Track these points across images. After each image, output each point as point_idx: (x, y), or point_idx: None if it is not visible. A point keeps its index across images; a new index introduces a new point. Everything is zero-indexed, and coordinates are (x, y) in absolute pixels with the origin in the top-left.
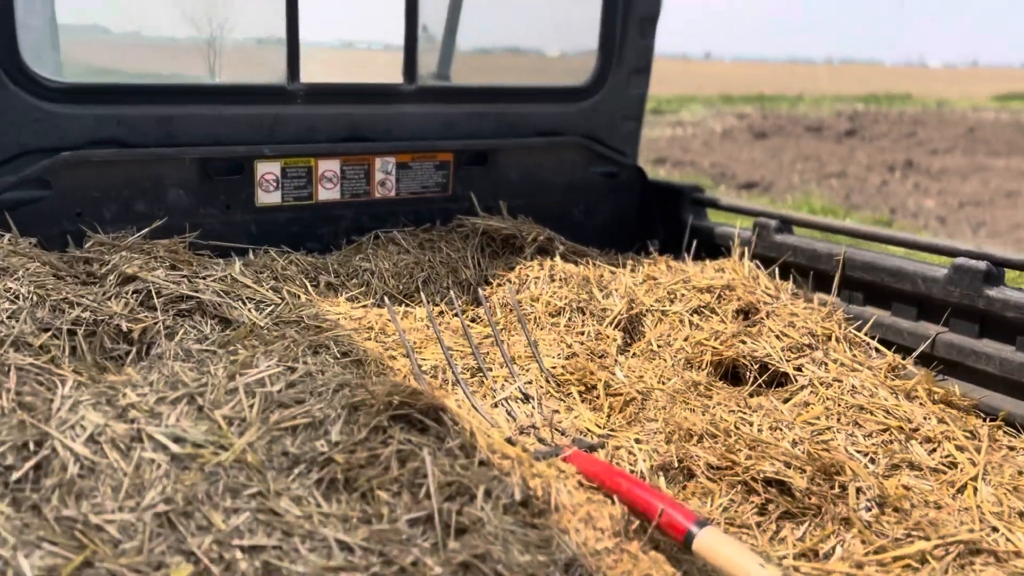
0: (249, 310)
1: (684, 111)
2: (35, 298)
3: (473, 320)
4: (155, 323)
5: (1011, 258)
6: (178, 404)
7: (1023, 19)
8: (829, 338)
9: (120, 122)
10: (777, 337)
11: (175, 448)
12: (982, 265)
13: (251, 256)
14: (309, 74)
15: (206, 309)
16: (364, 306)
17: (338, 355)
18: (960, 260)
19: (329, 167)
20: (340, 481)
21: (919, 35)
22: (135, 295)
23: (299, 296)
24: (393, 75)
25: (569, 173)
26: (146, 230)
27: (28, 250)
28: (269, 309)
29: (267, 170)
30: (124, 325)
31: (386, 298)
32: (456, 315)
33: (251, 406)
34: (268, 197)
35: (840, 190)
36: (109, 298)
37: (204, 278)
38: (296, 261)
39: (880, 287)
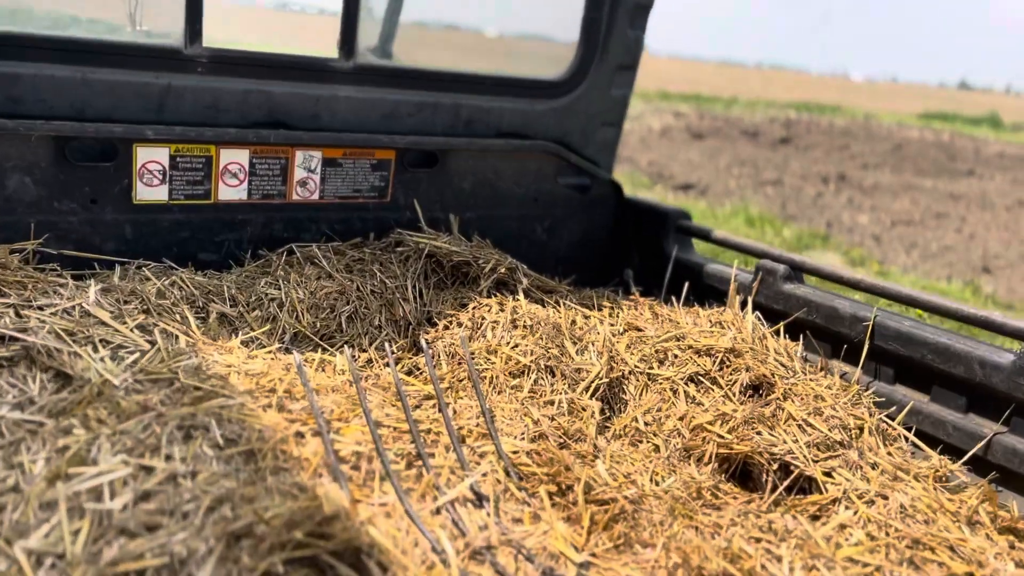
0: (102, 359)
1: None
2: None
3: (410, 372)
4: None
5: None
6: None
7: (940, 40)
8: (862, 431)
9: None
10: (800, 427)
11: None
12: None
13: (115, 278)
14: (215, 36)
15: (36, 357)
16: (268, 352)
17: (220, 443)
18: None
19: (234, 158)
20: None
21: (843, 48)
22: None
23: (177, 338)
24: (326, 48)
25: (533, 183)
26: None
27: None
28: (132, 358)
29: (150, 157)
30: None
31: (295, 349)
32: (388, 366)
33: (76, 534)
34: (150, 192)
35: (776, 199)
36: None
37: (41, 308)
38: (180, 282)
39: (919, 365)
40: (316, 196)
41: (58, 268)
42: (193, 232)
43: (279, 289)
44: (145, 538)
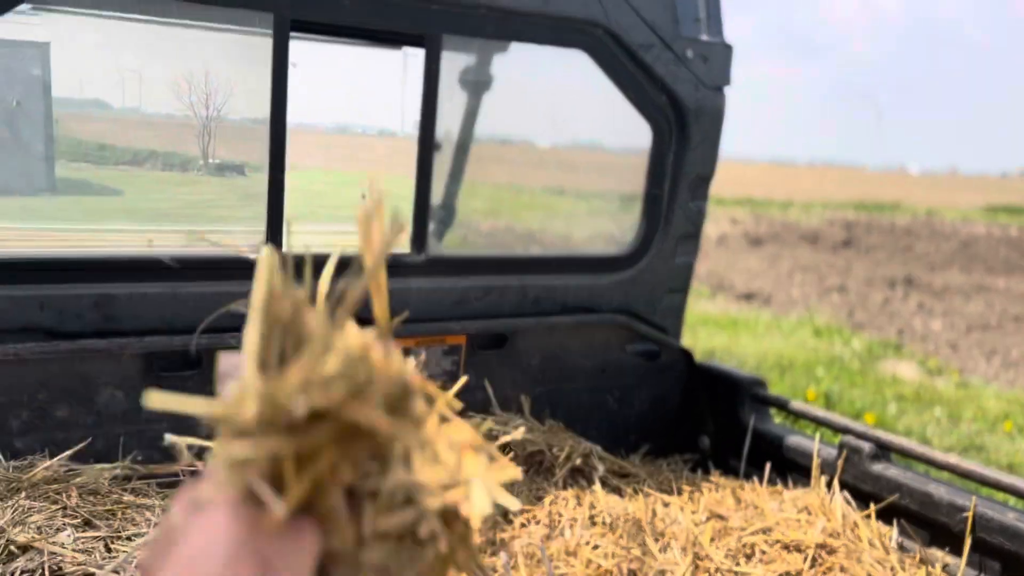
0: None
1: None
2: None
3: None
4: None
5: None
6: None
7: (998, 129)
8: None
9: (44, 305)
10: None
11: None
12: None
13: None
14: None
15: None
16: None
17: None
18: None
19: None
20: None
21: (899, 142)
22: None
23: None
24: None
25: (602, 355)
26: (63, 455)
27: None
28: None
29: (234, 363)
30: None
31: None
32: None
33: None
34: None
35: (842, 306)
36: None
37: (129, 539)
38: None
39: None
40: None
41: (153, 487)
42: None
43: None
44: None
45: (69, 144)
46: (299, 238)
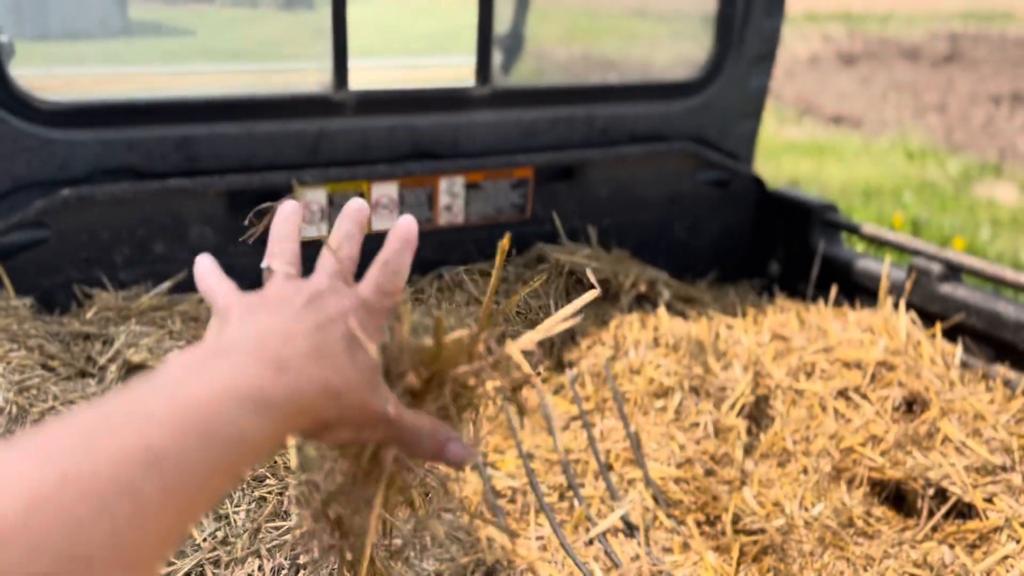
0: None
1: None
2: (14, 409)
3: (556, 391)
4: None
5: None
6: None
7: None
8: None
9: (132, 148)
10: (957, 449)
11: None
12: None
13: None
14: (362, 47)
15: None
16: None
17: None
18: None
19: (385, 192)
20: None
21: None
22: None
23: None
24: (462, 76)
25: (672, 184)
26: (163, 286)
27: (21, 317)
28: None
29: (309, 198)
30: None
31: None
32: (537, 386)
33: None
34: (313, 230)
35: (940, 127)
36: None
37: None
38: None
39: None
40: (461, 219)
41: None
42: None
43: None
44: None
45: None
46: (365, 75)
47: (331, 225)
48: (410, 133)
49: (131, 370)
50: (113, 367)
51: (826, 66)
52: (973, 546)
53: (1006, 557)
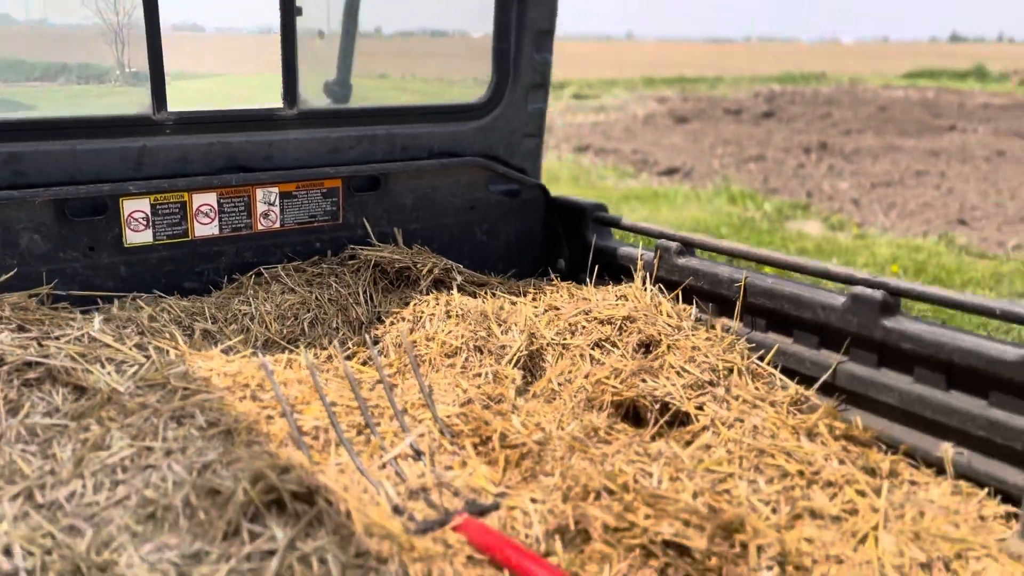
0: (108, 373)
1: (606, 96)
2: None
3: (365, 363)
4: None
5: (907, 287)
6: (15, 500)
7: None
8: (731, 371)
9: None
10: (678, 373)
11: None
12: (878, 295)
13: (114, 309)
14: (177, 66)
15: (57, 376)
16: (243, 356)
17: (204, 425)
18: (857, 289)
19: (205, 201)
20: None
21: (833, 13)
22: None
23: (167, 352)
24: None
25: (469, 194)
26: None
27: None
28: (132, 371)
29: (135, 208)
30: None
31: (259, 352)
32: (346, 359)
33: (100, 499)
34: (138, 236)
35: (759, 174)
36: None
37: (57, 339)
38: (168, 308)
39: (782, 314)
40: (278, 224)
41: (68, 306)
42: (176, 266)
43: (250, 305)
44: (153, 490)
45: None
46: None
47: (155, 232)
48: (226, 149)
49: None
50: None
51: (661, 125)
52: (688, 443)
53: (709, 447)
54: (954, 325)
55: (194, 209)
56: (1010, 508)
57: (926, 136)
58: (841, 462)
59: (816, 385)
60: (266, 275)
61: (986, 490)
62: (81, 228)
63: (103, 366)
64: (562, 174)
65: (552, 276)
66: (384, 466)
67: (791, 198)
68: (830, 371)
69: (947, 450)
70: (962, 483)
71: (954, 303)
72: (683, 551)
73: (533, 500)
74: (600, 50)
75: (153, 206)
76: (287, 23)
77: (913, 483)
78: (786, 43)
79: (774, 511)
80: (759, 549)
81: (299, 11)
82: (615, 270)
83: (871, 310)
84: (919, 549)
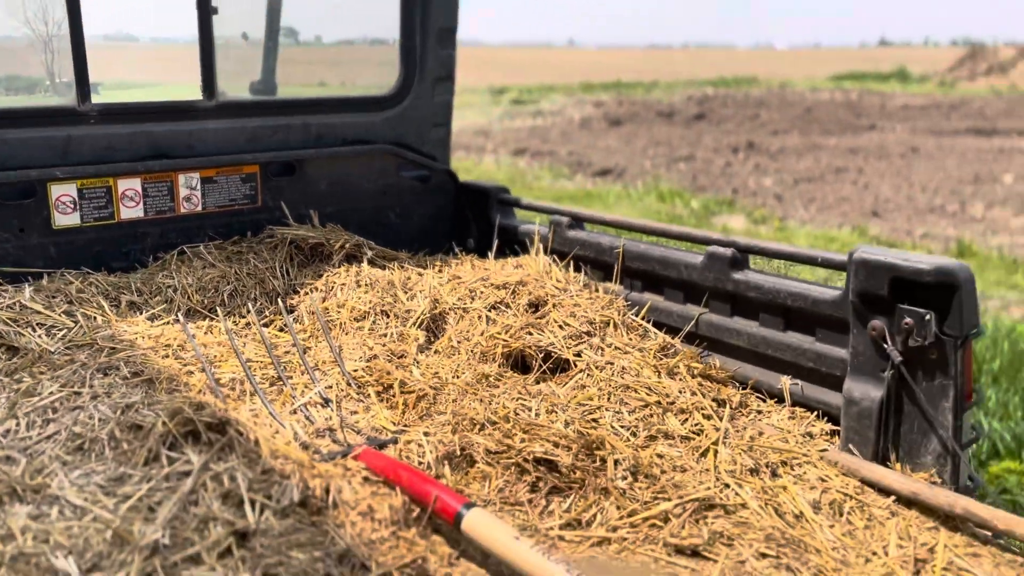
0: (39, 336)
1: (544, 101)
2: None
3: (282, 330)
4: None
5: (753, 245)
6: None
7: (864, 2)
8: (608, 324)
9: None
10: (560, 326)
11: None
12: (729, 252)
13: (43, 282)
14: (107, 75)
15: None
16: (166, 323)
17: (128, 375)
18: (712, 248)
19: (130, 186)
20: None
21: (768, 19)
22: None
23: (95, 318)
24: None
25: (381, 179)
26: None
27: None
28: (61, 334)
29: (62, 192)
30: None
31: (180, 314)
32: (263, 327)
33: (29, 429)
34: (66, 219)
35: (688, 173)
36: None
37: None
38: (95, 282)
39: (653, 275)
40: (199, 208)
41: (1, 282)
42: (104, 246)
43: (173, 279)
44: (81, 427)
45: None
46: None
47: (83, 214)
48: (149, 138)
49: None
50: None
51: (596, 128)
52: (565, 384)
53: (583, 386)
54: (794, 275)
55: (119, 193)
56: (834, 427)
57: (847, 135)
58: (694, 394)
59: (682, 334)
60: (189, 253)
61: (815, 413)
62: (11, 211)
63: (34, 330)
64: (499, 177)
65: (458, 251)
66: (295, 411)
67: (718, 195)
68: (693, 321)
69: (785, 382)
70: (798, 409)
71: (787, 255)
72: (552, 467)
73: (426, 434)
74: (541, 57)
75: (80, 190)
76: (204, 20)
77: (759, 412)
78: (723, 49)
79: (633, 434)
80: (616, 463)
81: (215, 10)
82: (517, 245)
83: (723, 265)
84: (750, 459)
